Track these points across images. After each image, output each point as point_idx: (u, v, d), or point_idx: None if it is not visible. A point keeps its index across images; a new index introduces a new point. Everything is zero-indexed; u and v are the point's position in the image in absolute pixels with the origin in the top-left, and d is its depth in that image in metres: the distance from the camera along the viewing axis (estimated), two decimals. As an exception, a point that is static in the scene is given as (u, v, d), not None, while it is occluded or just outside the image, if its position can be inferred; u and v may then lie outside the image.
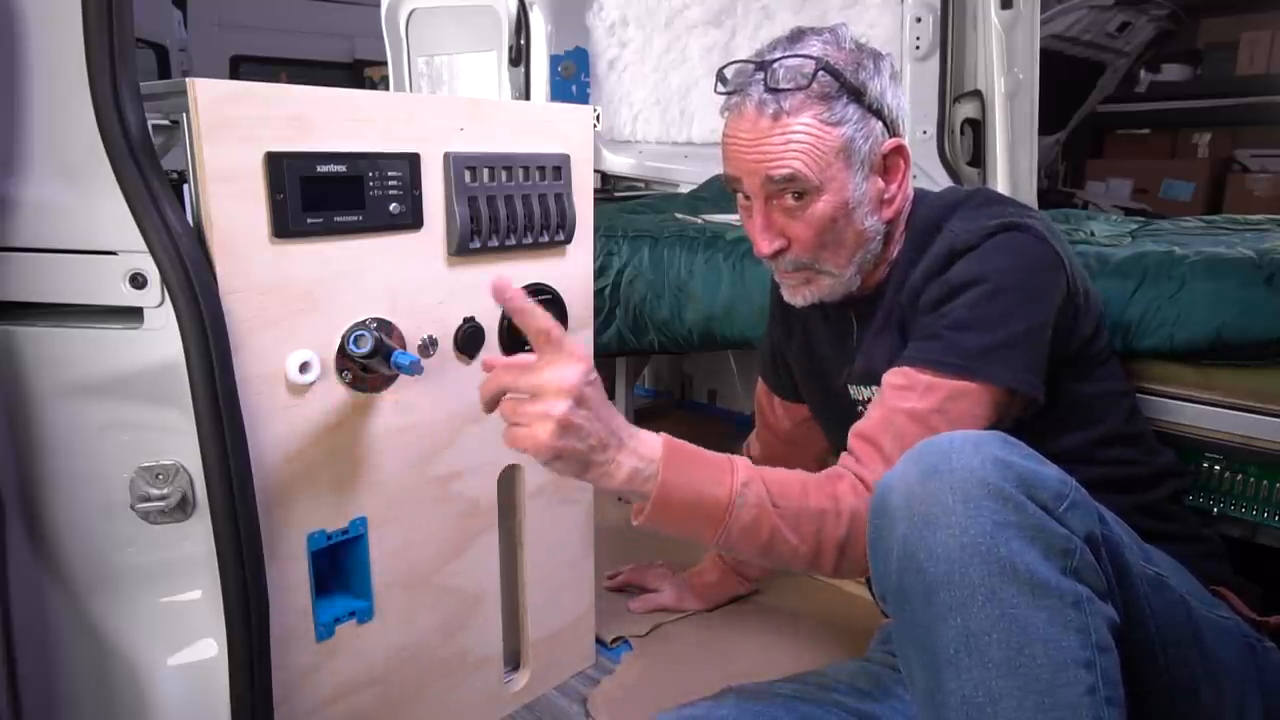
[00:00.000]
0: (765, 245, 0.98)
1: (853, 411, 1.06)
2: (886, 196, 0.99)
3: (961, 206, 1.00)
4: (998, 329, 0.90)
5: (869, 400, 1.03)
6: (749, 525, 0.85)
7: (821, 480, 0.90)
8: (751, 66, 0.95)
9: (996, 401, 0.90)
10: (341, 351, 0.93)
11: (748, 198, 0.99)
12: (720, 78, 0.99)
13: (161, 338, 0.81)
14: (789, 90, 0.91)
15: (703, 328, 1.55)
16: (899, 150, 0.98)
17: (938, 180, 2.03)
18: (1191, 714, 0.81)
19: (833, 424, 1.18)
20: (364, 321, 0.94)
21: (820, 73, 0.91)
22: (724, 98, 0.98)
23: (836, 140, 0.93)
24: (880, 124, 0.96)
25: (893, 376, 0.93)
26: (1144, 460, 1.01)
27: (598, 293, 1.55)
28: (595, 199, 1.19)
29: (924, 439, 0.81)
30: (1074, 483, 0.72)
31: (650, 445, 0.85)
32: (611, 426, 0.83)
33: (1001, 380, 0.89)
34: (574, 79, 2.56)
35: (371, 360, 0.92)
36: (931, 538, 0.68)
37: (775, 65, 0.93)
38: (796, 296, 1.03)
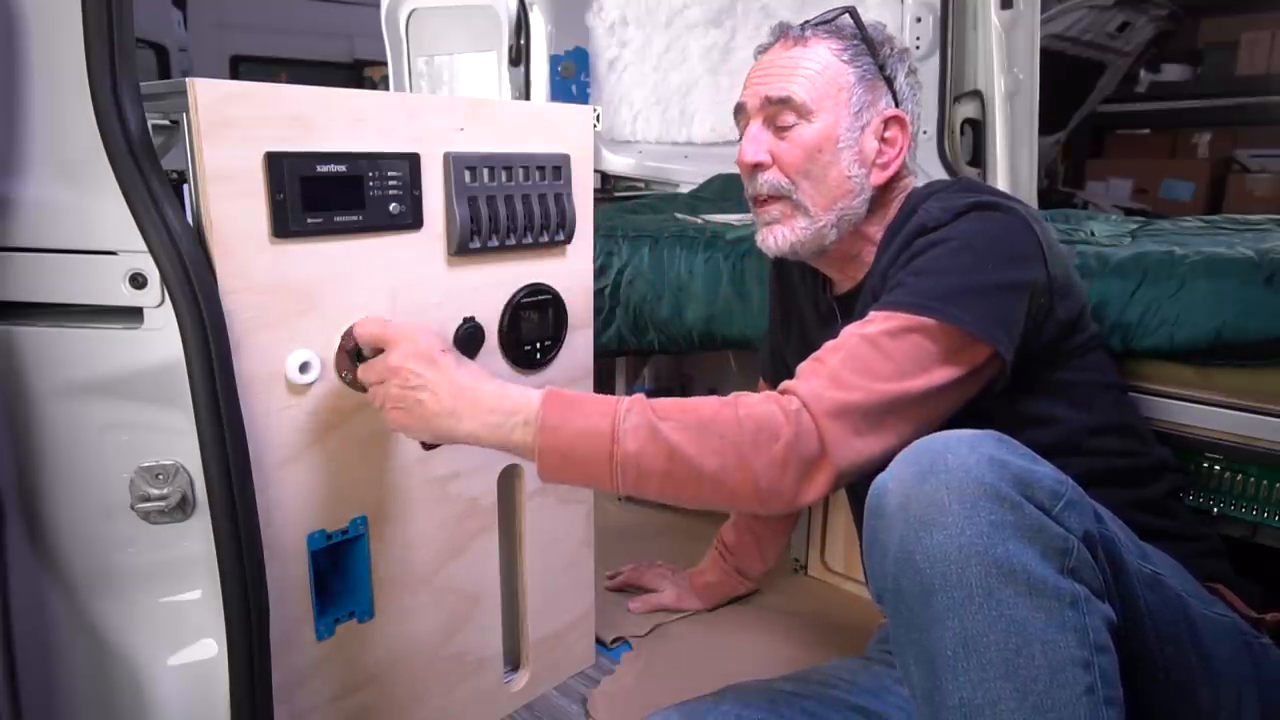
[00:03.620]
0: (750, 153, 1.00)
1: None
2: (879, 161, 1.00)
3: (939, 192, 1.01)
4: (966, 275, 0.88)
5: None
6: (639, 451, 0.81)
7: (728, 395, 0.87)
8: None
9: (957, 345, 0.87)
10: (342, 350, 0.93)
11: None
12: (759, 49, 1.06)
13: (161, 338, 0.81)
14: (816, 24, 1.01)
15: (703, 328, 1.55)
16: (900, 121, 1.01)
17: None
18: (1189, 712, 0.81)
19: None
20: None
21: (845, 14, 1.01)
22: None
23: (842, 76, 0.98)
24: (889, 93, 1.01)
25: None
26: (1141, 452, 1.01)
27: (598, 293, 1.55)
28: (595, 199, 1.19)
29: (876, 361, 0.84)
30: (1070, 481, 0.72)
31: (523, 398, 0.85)
32: (458, 389, 0.85)
33: (959, 321, 0.85)
34: (574, 79, 2.56)
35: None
36: (928, 539, 0.68)
37: (814, 16, 1.02)
38: (770, 238, 1.02)
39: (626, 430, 0.82)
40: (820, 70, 0.98)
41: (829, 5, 1.03)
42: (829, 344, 0.90)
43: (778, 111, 0.99)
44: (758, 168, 1.01)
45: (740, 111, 1.04)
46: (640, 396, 0.85)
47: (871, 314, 0.90)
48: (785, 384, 0.87)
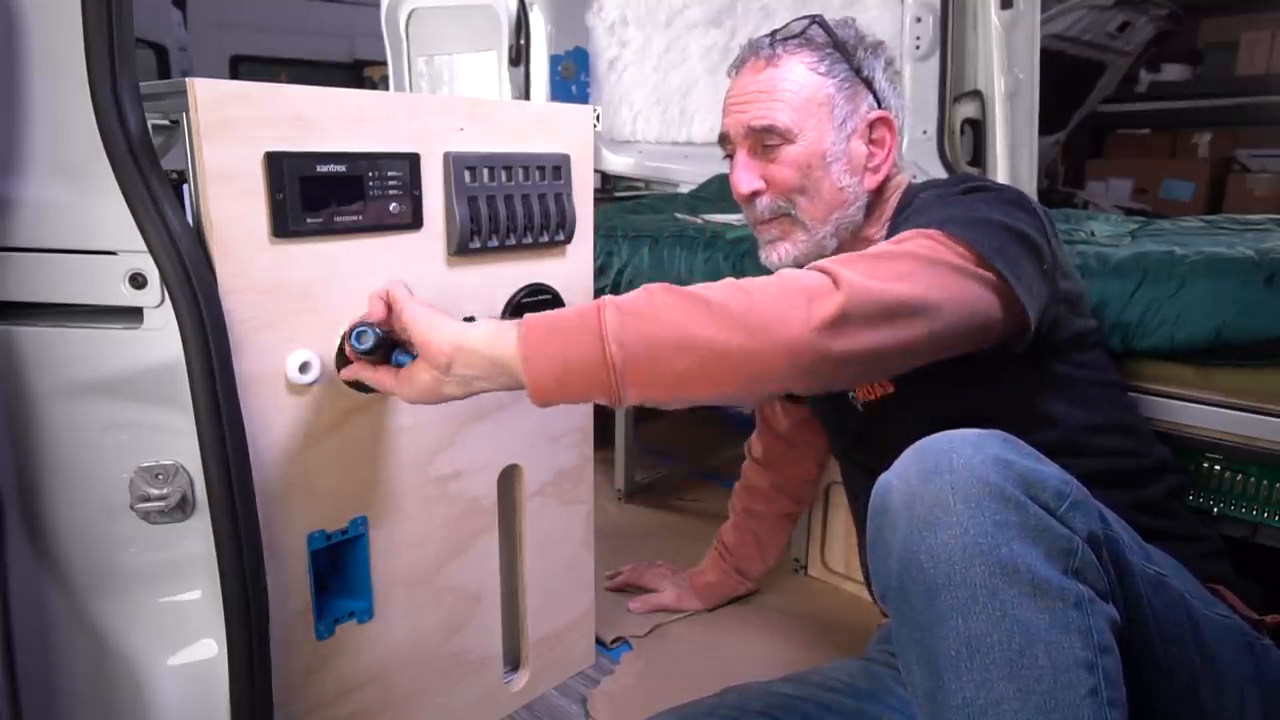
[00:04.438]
0: (744, 184, 1.01)
1: (848, 404, 1.06)
2: (871, 165, 1.01)
3: (937, 185, 1.02)
4: (974, 209, 0.87)
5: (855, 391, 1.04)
6: (637, 314, 0.76)
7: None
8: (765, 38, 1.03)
9: (964, 258, 0.83)
10: (342, 350, 0.93)
11: (733, 157, 1.04)
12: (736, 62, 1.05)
13: (161, 338, 0.81)
14: (785, 39, 1.00)
15: (703, 328, 1.55)
16: (885, 121, 1.01)
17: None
18: (1192, 713, 0.81)
19: (831, 421, 1.19)
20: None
21: (813, 26, 1.00)
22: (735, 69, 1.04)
23: (821, 91, 0.98)
24: (870, 95, 1.01)
25: None
26: (1142, 452, 1.01)
27: (598, 293, 1.54)
28: (595, 199, 1.19)
29: (882, 266, 0.80)
30: (1075, 482, 0.72)
31: (496, 323, 0.82)
32: (434, 324, 0.82)
33: (972, 240, 0.83)
34: (574, 79, 2.56)
35: (373, 358, 0.92)
36: (932, 538, 0.68)
37: (781, 29, 1.02)
38: (772, 255, 1.04)
39: (615, 300, 0.78)
40: (798, 90, 0.98)
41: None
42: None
43: (762, 138, 0.99)
44: (754, 196, 1.02)
45: (725, 140, 1.05)
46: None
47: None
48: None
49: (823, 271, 0.79)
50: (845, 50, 1.00)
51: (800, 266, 0.98)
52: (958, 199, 0.93)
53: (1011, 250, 0.86)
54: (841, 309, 0.75)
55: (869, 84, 1.00)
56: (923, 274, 0.81)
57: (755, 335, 0.75)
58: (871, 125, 1.01)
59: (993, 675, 0.65)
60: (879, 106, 1.01)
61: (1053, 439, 0.89)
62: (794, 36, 1.00)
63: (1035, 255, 0.88)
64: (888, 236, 1.01)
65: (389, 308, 0.87)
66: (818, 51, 0.99)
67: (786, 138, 0.98)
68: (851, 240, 1.03)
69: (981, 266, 0.84)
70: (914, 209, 0.98)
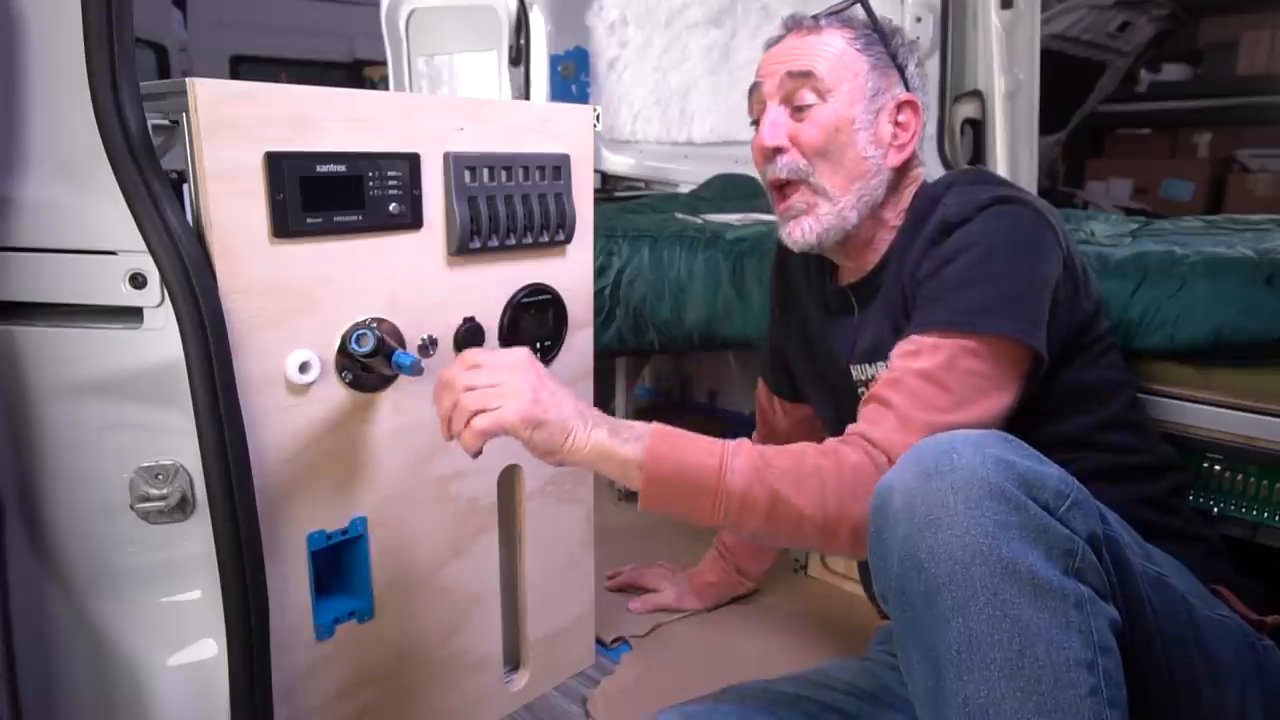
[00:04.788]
0: (770, 136, 1.00)
1: (854, 394, 1.06)
2: (895, 143, 1.02)
3: (957, 184, 1.01)
4: (998, 283, 0.90)
5: (871, 379, 1.04)
6: (745, 490, 0.83)
7: (824, 445, 0.89)
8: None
9: (1004, 356, 0.89)
10: (343, 350, 0.93)
11: (757, 123, 1.04)
12: (768, 43, 1.07)
13: (161, 338, 0.81)
14: (829, 14, 1.03)
15: (703, 328, 1.55)
16: (913, 105, 1.03)
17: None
18: (1193, 714, 0.81)
19: (833, 415, 1.19)
20: (365, 320, 0.94)
21: (856, 5, 1.03)
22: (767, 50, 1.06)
23: (858, 64, 1.00)
24: (901, 80, 1.03)
25: (900, 346, 0.93)
26: (1147, 449, 1.01)
27: (598, 293, 1.55)
28: (595, 199, 1.19)
29: (937, 396, 0.85)
30: (1075, 482, 0.72)
31: (638, 425, 0.88)
32: (576, 400, 0.88)
33: (1004, 330, 0.88)
34: (574, 79, 2.56)
35: (372, 360, 0.92)
36: (933, 538, 0.68)
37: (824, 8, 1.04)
38: (795, 232, 1.03)
39: (734, 469, 0.84)
40: (838, 54, 0.99)
41: (828, 6, 1.04)
42: (885, 380, 0.91)
43: (797, 87, 0.99)
44: (777, 151, 1.01)
45: (755, 92, 1.05)
46: (745, 440, 0.88)
47: (915, 338, 0.91)
48: (859, 429, 0.89)
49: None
50: (883, 34, 1.02)
51: (823, 244, 1.03)
52: (986, 261, 0.91)
53: (1039, 311, 0.91)
54: None
55: (901, 70, 1.03)
56: (974, 411, 0.87)
57: (834, 541, 0.86)
58: (899, 106, 1.02)
59: (993, 675, 0.65)
60: (908, 91, 1.03)
61: (1066, 433, 0.91)
62: (836, 12, 1.03)
63: (1052, 291, 0.93)
64: (902, 232, 1.02)
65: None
66: (856, 30, 1.01)
67: (820, 90, 0.99)
68: (869, 219, 1.03)
69: (1018, 346, 0.89)
70: (940, 248, 0.95)
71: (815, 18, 1.02)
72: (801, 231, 1.02)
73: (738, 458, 0.85)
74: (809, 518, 0.83)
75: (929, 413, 0.86)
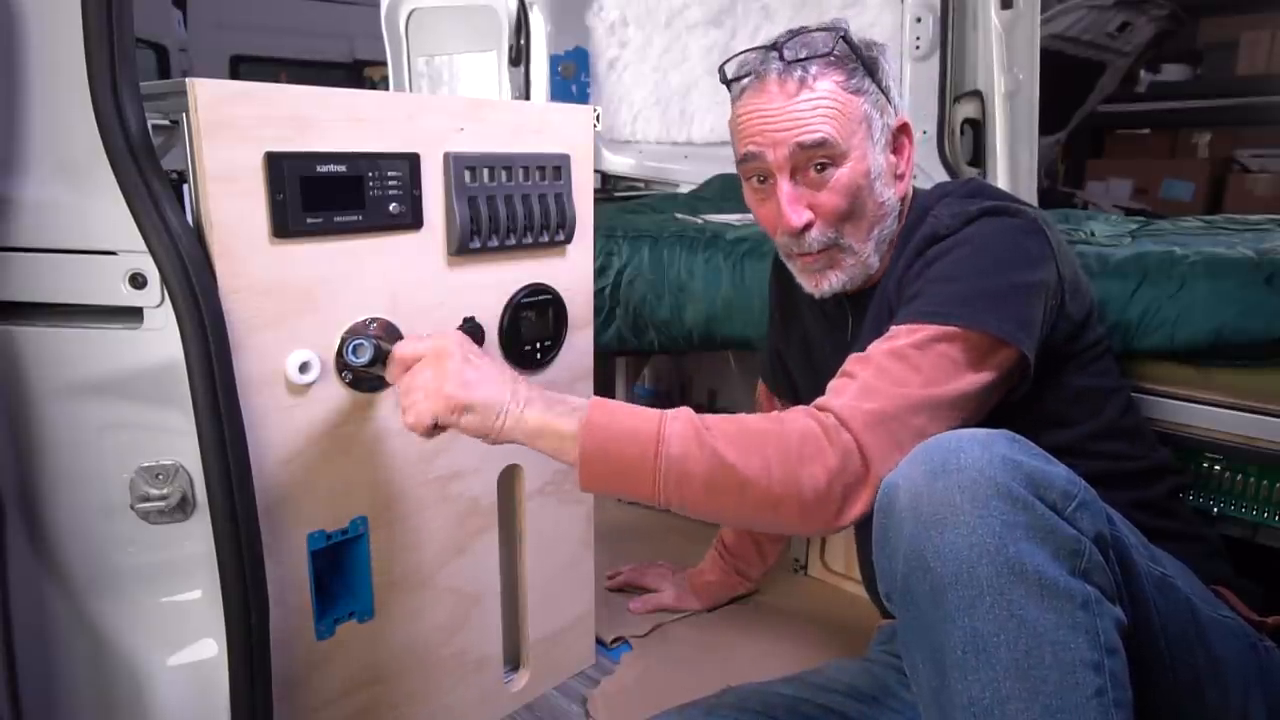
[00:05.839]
0: (796, 218, 0.94)
1: None
2: (898, 173, 1.00)
3: (949, 195, 1.00)
4: (983, 279, 0.88)
5: None
6: (683, 455, 0.80)
7: (770, 414, 0.86)
8: (761, 51, 0.96)
9: (982, 351, 0.86)
10: (341, 355, 0.92)
11: (762, 181, 0.97)
12: (723, 71, 0.99)
13: (161, 338, 0.81)
14: (809, 59, 0.92)
15: (703, 328, 1.55)
16: (905, 129, 1.00)
17: (937, 181, 2.03)
18: (1197, 715, 0.81)
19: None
20: (364, 322, 0.94)
21: (840, 42, 0.93)
22: (733, 85, 0.98)
23: (857, 109, 0.94)
24: (890, 105, 0.99)
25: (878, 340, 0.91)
26: (1140, 455, 1.00)
27: (598, 293, 1.55)
28: (595, 199, 1.19)
29: (905, 373, 0.83)
30: (1083, 483, 0.72)
31: (575, 399, 0.86)
32: (509, 378, 0.86)
33: (984, 325, 0.85)
34: (574, 79, 2.56)
35: (370, 370, 0.92)
36: (939, 538, 0.68)
37: (790, 42, 0.94)
38: (822, 284, 1.00)
39: (671, 434, 0.81)
40: (840, 107, 0.92)
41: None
42: (854, 357, 0.88)
43: (811, 157, 0.93)
44: (806, 229, 0.96)
45: (752, 161, 0.96)
46: (687, 408, 0.85)
47: (894, 328, 0.89)
48: (819, 400, 0.86)
49: (859, 451, 0.80)
50: (869, 66, 0.95)
51: (848, 291, 1.01)
52: (972, 260, 0.90)
53: (1025, 312, 0.88)
54: (870, 503, 0.79)
55: (886, 94, 0.98)
56: (945, 410, 0.84)
57: (781, 512, 0.81)
58: (894, 135, 0.99)
59: (999, 675, 0.65)
60: (896, 113, 0.99)
61: (1059, 443, 0.89)
62: (821, 55, 0.93)
63: (1043, 298, 0.90)
64: (900, 245, 1.00)
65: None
66: (845, 70, 0.93)
67: (835, 155, 0.93)
68: (887, 250, 1.01)
69: (999, 344, 0.86)
70: (926, 255, 0.94)
71: (799, 62, 0.92)
72: (829, 284, 1.00)
73: (676, 422, 0.82)
74: (753, 483, 0.79)
75: (894, 385, 0.83)
